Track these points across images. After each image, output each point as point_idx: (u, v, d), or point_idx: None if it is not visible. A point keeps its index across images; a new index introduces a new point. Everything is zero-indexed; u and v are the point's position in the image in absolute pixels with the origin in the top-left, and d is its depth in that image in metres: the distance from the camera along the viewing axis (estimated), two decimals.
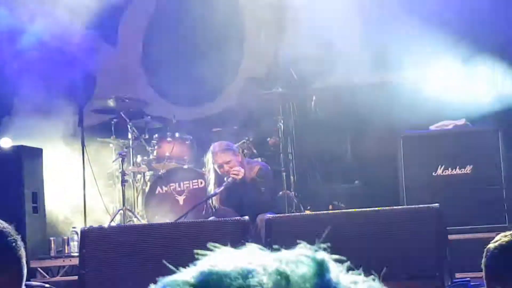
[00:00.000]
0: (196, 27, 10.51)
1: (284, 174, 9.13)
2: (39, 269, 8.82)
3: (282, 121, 9.25)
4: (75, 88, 10.61)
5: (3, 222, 2.70)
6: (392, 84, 9.95)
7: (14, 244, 2.62)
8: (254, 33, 10.46)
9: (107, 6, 10.40)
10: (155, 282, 1.21)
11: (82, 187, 9.33)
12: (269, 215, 6.71)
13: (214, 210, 8.51)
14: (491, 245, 2.82)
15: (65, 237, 9.35)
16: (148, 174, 9.59)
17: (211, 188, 8.56)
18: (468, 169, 8.25)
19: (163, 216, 8.87)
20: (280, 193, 8.97)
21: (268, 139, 9.60)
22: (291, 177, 9.16)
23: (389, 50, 9.60)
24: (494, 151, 8.23)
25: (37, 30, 10.10)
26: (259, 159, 9.18)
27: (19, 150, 9.18)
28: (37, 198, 9.31)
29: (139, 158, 9.57)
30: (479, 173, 8.21)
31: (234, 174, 8.27)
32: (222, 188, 8.35)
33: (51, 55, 10.30)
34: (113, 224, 8.88)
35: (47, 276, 8.80)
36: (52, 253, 9.13)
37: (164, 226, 6.09)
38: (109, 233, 6.21)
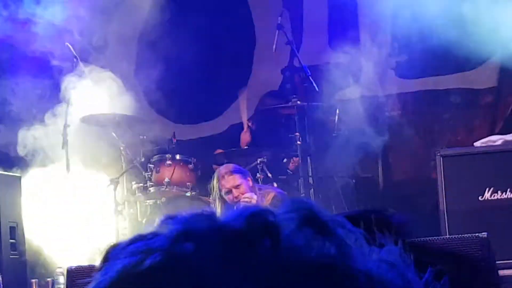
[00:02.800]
0: (200, 29, 10.47)
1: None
2: None
3: (300, 139, 9.17)
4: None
5: None
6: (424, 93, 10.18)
7: None
8: (265, 36, 10.44)
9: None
10: None
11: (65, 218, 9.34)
12: None
13: None
14: None
15: (49, 279, 9.26)
16: (144, 203, 9.48)
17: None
18: None
19: None
20: None
21: (285, 160, 9.59)
22: None
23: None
24: None
25: None
26: (274, 184, 9.09)
27: None
28: (15, 233, 9.20)
29: (133, 185, 9.50)
30: None
31: (245, 200, 8.13)
32: None
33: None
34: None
35: None
36: None
37: None
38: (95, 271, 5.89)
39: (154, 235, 1.15)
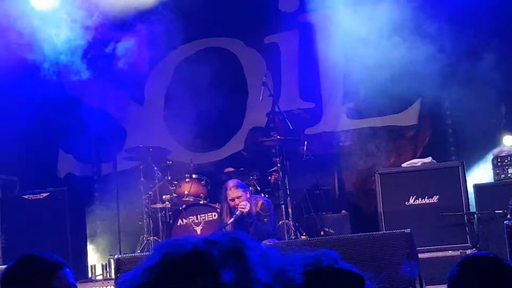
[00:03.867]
0: (208, 85, 10.50)
1: (283, 206, 9.09)
2: None
3: (279, 163, 9.19)
4: (109, 140, 10.74)
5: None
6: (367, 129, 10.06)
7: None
8: (255, 91, 10.41)
9: (134, 71, 10.55)
10: None
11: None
12: (270, 242, 6.69)
13: None
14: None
15: (104, 263, 9.37)
16: (171, 209, 9.49)
17: (224, 218, 8.57)
18: (435, 198, 8.25)
19: None
20: (280, 222, 8.95)
21: (269, 177, 9.57)
22: (289, 209, 9.12)
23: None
24: (456, 183, 8.24)
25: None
26: (262, 195, 9.14)
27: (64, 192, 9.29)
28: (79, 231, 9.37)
29: (163, 196, 9.49)
30: (444, 202, 8.21)
31: (241, 208, 8.28)
32: (232, 219, 8.35)
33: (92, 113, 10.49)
34: (142, 252, 8.87)
35: None
36: (93, 277, 9.14)
37: None
38: (140, 260, 6.13)
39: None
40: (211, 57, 10.91)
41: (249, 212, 8.30)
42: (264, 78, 9.60)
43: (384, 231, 7.50)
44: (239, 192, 8.35)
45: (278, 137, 9.25)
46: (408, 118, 10.29)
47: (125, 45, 10.13)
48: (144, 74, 11.17)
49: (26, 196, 9.27)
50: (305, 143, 9.69)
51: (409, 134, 10.27)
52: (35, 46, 9.40)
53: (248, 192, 8.48)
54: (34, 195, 9.25)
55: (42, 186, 9.50)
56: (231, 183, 8.51)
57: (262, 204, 8.50)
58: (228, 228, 8.49)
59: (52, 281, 2.50)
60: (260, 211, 8.43)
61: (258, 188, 9.37)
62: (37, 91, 10.05)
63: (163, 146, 10.00)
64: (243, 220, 8.33)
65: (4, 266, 4.93)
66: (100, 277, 9.26)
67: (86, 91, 10.81)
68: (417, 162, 8.74)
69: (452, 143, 10.01)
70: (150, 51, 10.84)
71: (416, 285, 5.79)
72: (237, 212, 8.31)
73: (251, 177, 9.37)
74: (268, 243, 6.62)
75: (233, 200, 8.37)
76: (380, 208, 8.38)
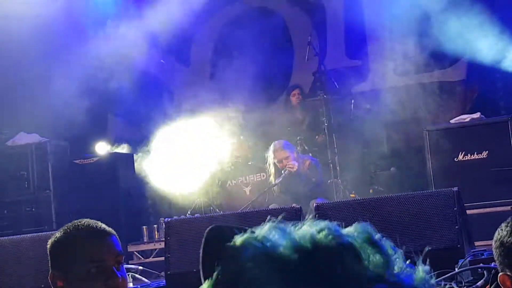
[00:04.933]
0: (253, 46, 10.48)
1: (331, 165, 9.11)
2: (135, 252, 8.98)
3: (327, 122, 9.21)
4: (159, 103, 10.83)
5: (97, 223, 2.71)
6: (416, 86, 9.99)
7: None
8: (300, 50, 10.40)
9: (180, 33, 10.57)
10: None
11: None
12: (318, 201, 6.73)
13: (274, 197, 8.58)
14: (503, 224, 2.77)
15: (155, 225, 9.52)
16: (220, 171, 9.51)
17: (271, 180, 8.63)
18: (484, 154, 8.19)
19: (234, 205, 8.94)
20: (329, 181, 8.97)
21: (316, 137, 9.59)
22: (337, 168, 9.13)
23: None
24: (505, 138, 8.15)
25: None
26: (310, 154, 9.16)
27: (115, 157, 9.43)
28: (130, 195, 9.52)
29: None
30: (493, 157, 8.14)
31: (289, 167, 8.35)
32: (280, 179, 8.41)
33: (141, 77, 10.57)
34: (192, 214, 8.98)
35: (142, 258, 8.96)
36: (145, 239, 9.32)
37: (233, 215, 6.12)
38: (189, 222, 6.25)
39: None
40: (256, 17, 10.90)
41: (297, 172, 8.35)
42: (309, 37, 9.59)
43: (433, 190, 7.50)
44: (286, 153, 8.41)
45: (325, 96, 9.22)
46: (456, 73, 10.20)
47: (169, 8, 10.19)
48: (189, 36, 11.20)
49: (77, 161, 9.42)
50: (352, 101, 9.67)
51: (458, 89, 10.19)
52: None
53: (295, 152, 8.53)
54: (85, 160, 9.40)
55: (92, 151, 9.65)
56: (277, 144, 8.55)
57: (310, 163, 8.55)
58: (276, 188, 8.56)
59: (101, 248, 2.57)
60: (308, 171, 8.47)
61: (306, 147, 9.35)
62: (86, 55, 10.18)
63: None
64: (291, 179, 8.39)
65: (53, 232, 5.08)
66: (152, 240, 9.42)
67: (134, 54, 10.93)
68: (466, 117, 8.64)
69: (502, 98, 9.88)
70: (195, 13, 10.84)
71: (464, 242, 5.79)
72: (286, 172, 8.37)
73: (298, 137, 9.36)
74: (317, 203, 6.66)
75: (281, 161, 8.43)
76: (429, 165, 8.34)
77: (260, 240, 1.12)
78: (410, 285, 1.12)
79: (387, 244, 1.16)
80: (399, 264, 1.15)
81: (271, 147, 8.59)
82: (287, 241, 1.10)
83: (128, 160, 9.74)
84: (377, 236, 1.16)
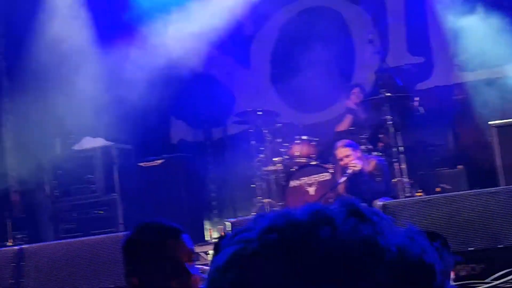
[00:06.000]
0: (313, 45, 10.46)
1: (396, 164, 9.03)
2: (201, 252, 9.05)
3: (390, 120, 9.07)
4: (219, 105, 10.94)
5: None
6: (483, 81, 9.83)
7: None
8: (361, 48, 10.38)
9: (239, 36, 10.66)
10: None
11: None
12: (384, 201, 6.71)
13: (339, 197, 8.56)
14: None
15: (220, 226, 9.59)
16: (283, 171, 9.53)
17: (336, 178, 8.64)
18: None
19: (297, 205, 8.92)
20: (394, 180, 8.90)
21: (380, 136, 9.47)
22: (403, 166, 9.04)
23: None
24: None
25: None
26: (375, 153, 9.09)
27: (178, 159, 9.52)
28: (194, 196, 9.60)
29: (274, 158, 9.57)
30: None
31: (352, 166, 8.35)
32: (343, 178, 8.41)
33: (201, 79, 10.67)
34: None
35: (207, 258, 9.01)
36: (210, 240, 9.41)
37: None
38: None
39: (250, 229, 1.13)
40: (315, 17, 10.88)
41: (360, 171, 8.34)
42: (370, 35, 9.53)
43: (501, 186, 7.37)
44: (347, 151, 8.41)
45: (388, 94, 9.12)
46: None
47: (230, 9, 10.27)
48: (248, 37, 11.27)
49: (141, 164, 9.57)
50: (417, 98, 9.56)
51: None
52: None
53: (358, 151, 8.51)
54: (149, 162, 9.54)
55: (156, 154, 9.79)
56: (340, 142, 8.59)
57: (375, 163, 8.53)
58: (341, 187, 8.55)
59: (172, 247, 2.62)
60: (373, 171, 8.45)
61: (370, 146, 9.30)
62: (147, 59, 10.33)
63: (272, 109, 10.07)
64: (355, 179, 8.37)
65: (124, 233, 5.17)
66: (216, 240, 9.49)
67: (193, 57, 11.05)
68: None
69: None
70: (254, 14, 10.90)
71: None
72: (349, 171, 8.37)
73: (361, 136, 9.30)
74: (380, 202, 6.65)
75: (341, 159, 8.43)
76: (498, 162, 8.18)
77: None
78: (405, 246, 1.10)
79: (373, 213, 1.14)
80: (390, 228, 1.13)
81: (334, 146, 8.60)
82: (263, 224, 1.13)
83: (191, 162, 9.85)
84: (363, 207, 1.15)
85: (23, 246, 5.58)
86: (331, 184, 8.78)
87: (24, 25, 10.24)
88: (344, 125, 9.85)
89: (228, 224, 8.58)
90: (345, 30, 10.93)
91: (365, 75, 10.39)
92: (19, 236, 9.74)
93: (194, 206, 9.65)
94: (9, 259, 5.47)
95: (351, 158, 8.40)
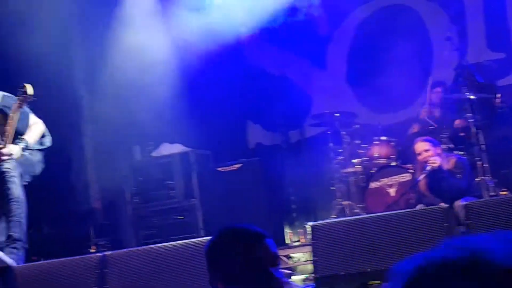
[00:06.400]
0: (390, 44, 10.35)
1: (479, 162, 8.84)
2: (282, 256, 9.05)
3: (472, 118, 8.91)
4: (296, 107, 10.93)
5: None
6: None
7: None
8: (439, 46, 10.17)
9: (314, 38, 10.62)
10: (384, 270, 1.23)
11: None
12: (468, 201, 6.55)
13: (420, 197, 8.45)
14: None
15: (300, 230, 9.58)
16: (362, 172, 9.47)
17: (416, 176, 8.55)
18: None
19: (378, 207, 8.84)
20: (477, 179, 8.71)
21: (461, 134, 9.31)
22: (486, 165, 8.84)
23: None
24: None
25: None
26: (456, 152, 8.88)
27: (256, 163, 9.56)
28: (273, 200, 9.60)
29: (353, 160, 9.53)
30: None
31: (431, 163, 8.23)
32: (422, 175, 8.30)
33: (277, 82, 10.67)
34: (337, 217, 8.96)
35: (289, 262, 9.01)
36: (291, 244, 9.41)
37: (377, 218, 6.05)
38: (335, 225, 6.23)
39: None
40: (391, 15, 10.77)
41: (440, 167, 8.21)
42: (448, 32, 9.40)
43: None
44: (426, 146, 8.30)
45: (468, 91, 8.95)
46: None
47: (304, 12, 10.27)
48: (324, 39, 11.22)
49: (220, 169, 9.64)
50: (499, 95, 9.37)
51: None
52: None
53: (438, 148, 8.38)
54: (227, 167, 9.59)
55: (233, 158, 9.84)
56: (419, 138, 8.51)
57: (455, 161, 8.37)
58: (422, 185, 8.43)
59: (257, 251, 2.61)
60: (453, 169, 8.30)
61: (451, 145, 9.11)
62: (223, 65, 10.42)
63: (349, 110, 10.02)
64: (434, 176, 8.26)
65: (206, 238, 5.20)
66: (297, 243, 9.52)
67: (269, 60, 11.09)
68: None
69: None
70: (329, 16, 10.86)
71: None
72: (428, 168, 8.26)
73: (441, 135, 9.12)
74: (465, 202, 6.50)
75: (420, 154, 8.32)
76: None
77: None
78: None
79: None
80: None
81: (414, 143, 8.52)
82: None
83: (269, 166, 9.85)
84: None
85: (106, 253, 5.65)
86: (411, 181, 8.66)
87: (100, 34, 10.43)
88: (414, 129, 9.69)
89: (308, 227, 8.62)
90: (422, 28, 10.76)
91: (445, 72, 10.17)
92: (101, 242, 9.92)
93: (273, 210, 9.64)
94: (93, 265, 5.55)
95: (430, 153, 8.27)
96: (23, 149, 6.14)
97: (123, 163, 10.22)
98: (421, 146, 8.34)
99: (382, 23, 10.75)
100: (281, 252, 8.97)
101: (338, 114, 9.63)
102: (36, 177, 6.32)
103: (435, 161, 8.19)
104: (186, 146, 10.05)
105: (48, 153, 6.45)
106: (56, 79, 9.44)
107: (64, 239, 9.61)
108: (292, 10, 10.39)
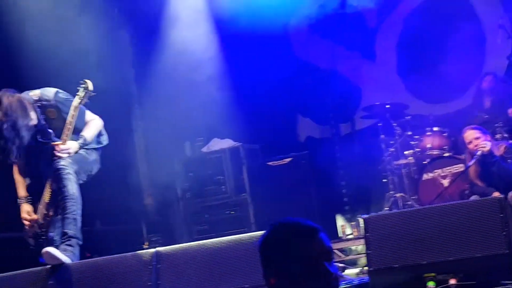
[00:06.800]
0: (440, 34, 10.22)
1: None
2: (335, 250, 9.04)
3: None
4: (346, 100, 10.88)
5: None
6: None
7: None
8: (492, 34, 10.02)
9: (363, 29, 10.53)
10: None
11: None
12: None
13: (473, 188, 8.34)
14: None
15: (352, 223, 9.54)
16: (414, 164, 9.39)
17: (467, 164, 8.44)
18: None
19: (431, 198, 8.75)
20: None
21: None
22: None
23: None
24: None
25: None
26: (510, 141, 8.73)
27: (306, 157, 9.53)
28: (324, 193, 9.57)
29: (405, 152, 9.45)
30: None
31: (481, 147, 8.13)
32: (473, 161, 8.19)
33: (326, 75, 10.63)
34: (390, 209, 8.91)
35: (343, 256, 8.98)
36: (344, 237, 9.37)
37: (433, 209, 5.98)
38: (388, 217, 6.16)
39: None
40: (441, 4, 10.64)
41: (490, 152, 8.10)
42: (500, 19, 9.32)
43: None
44: (476, 133, 8.23)
45: None
46: None
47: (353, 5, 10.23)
48: (373, 30, 11.13)
49: (270, 163, 9.65)
50: None
51: None
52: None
53: (488, 136, 8.30)
54: (278, 161, 9.60)
55: (283, 152, 9.84)
56: (468, 127, 8.43)
57: (505, 147, 8.32)
58: (472, 172, 8.31)
59: (312, 245, 2.59)
60: (503, 154, 8.19)
61: (505, 135, 8.92)
62: (272, 60, 10.42)
63: (400, 101, 9.94)
64: (484, 161, 8.15)
65: (258, 232, 5.20)
66: (350, 236, 9.48)
67: (318, 54, 11.05)
68: None
69: None
70: (378, 7, 10.78)
71: None
72: (478, 153, 8.16)
73: (496, 125, 8.97)
74: None
75: (470, 142, 8.23)
76: None
77: None
78: None
79: None
80: None
81: (463, 132, 8.41)
82: None
83: (319, 159, 9.84)
84: None
85: (158, 249, 5.69)
86: (466, 175, 8.53)
87: (149, 33, 10.52)
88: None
89: (361, 220, 8.58)
90: (473, 16, 10.60)
91: (498, 61, 10.05)
92: (154, 238, 10.00)
93: (325, 203, 9.64)
94: (147, 261, 5.59)
95: (480, 140, 8.17)
96: (81, 146, 6.18)
97: (174, 159, 10.29)
98: (471, 134, 8.26)
99: (432, 13, 10.62)
100: (334, 246, 8.97)
101: (388, 106, 9.58)
102: (90, 174, 6.38)
103: (485, 145, 8.11)
104: (236, 141, 10.07)
105: (102, 151, 6.50)
106: (108, 77, 9.55)
107: (117, 236, 9.71)
108: (341, 3, 10.34)
